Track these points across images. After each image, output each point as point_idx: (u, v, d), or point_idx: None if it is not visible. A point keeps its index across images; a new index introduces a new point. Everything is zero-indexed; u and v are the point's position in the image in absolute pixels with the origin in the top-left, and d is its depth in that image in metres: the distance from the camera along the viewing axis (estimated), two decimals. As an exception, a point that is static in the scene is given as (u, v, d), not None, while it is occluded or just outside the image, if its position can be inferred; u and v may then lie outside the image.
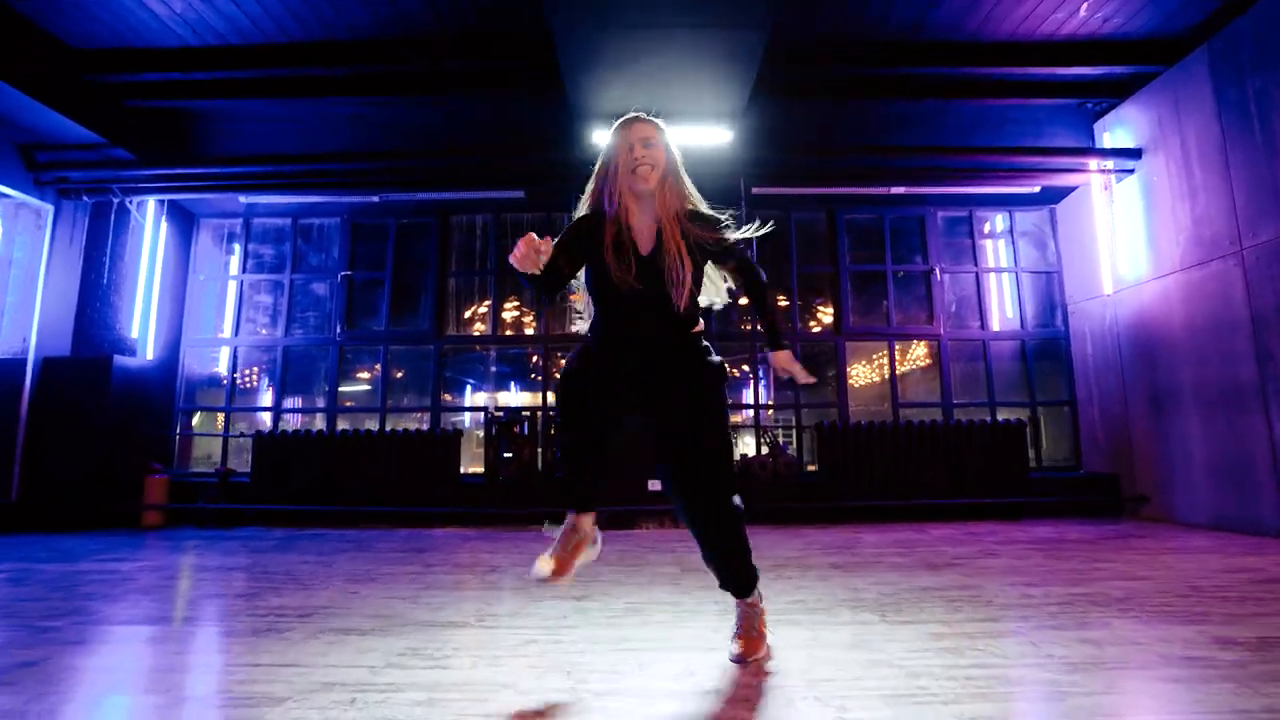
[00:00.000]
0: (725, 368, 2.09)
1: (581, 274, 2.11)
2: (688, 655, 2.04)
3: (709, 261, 2.08)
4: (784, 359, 2.10)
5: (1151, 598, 2.73)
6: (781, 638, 2.19)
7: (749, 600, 2.04)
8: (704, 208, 2.08)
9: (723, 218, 2.07)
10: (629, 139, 2.00)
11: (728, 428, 2.03)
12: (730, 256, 2.07)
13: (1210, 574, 3.22)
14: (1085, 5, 4.79)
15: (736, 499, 1.99)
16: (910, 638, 2.19)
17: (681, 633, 2.29)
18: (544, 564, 1.88)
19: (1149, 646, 2.07)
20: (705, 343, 2.07)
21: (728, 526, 1.96)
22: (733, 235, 2.06)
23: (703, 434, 1.94)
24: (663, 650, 2.10)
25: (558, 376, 2.11)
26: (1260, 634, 2.19)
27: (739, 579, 2.02)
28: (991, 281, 6.65)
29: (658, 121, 2.07)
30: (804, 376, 2.10)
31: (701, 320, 2.09)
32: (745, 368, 6.55)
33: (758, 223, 2.16)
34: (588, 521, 1.99)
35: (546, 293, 2.09)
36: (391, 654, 2.06)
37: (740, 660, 1.94)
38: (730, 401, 6.54)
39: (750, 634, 2.00)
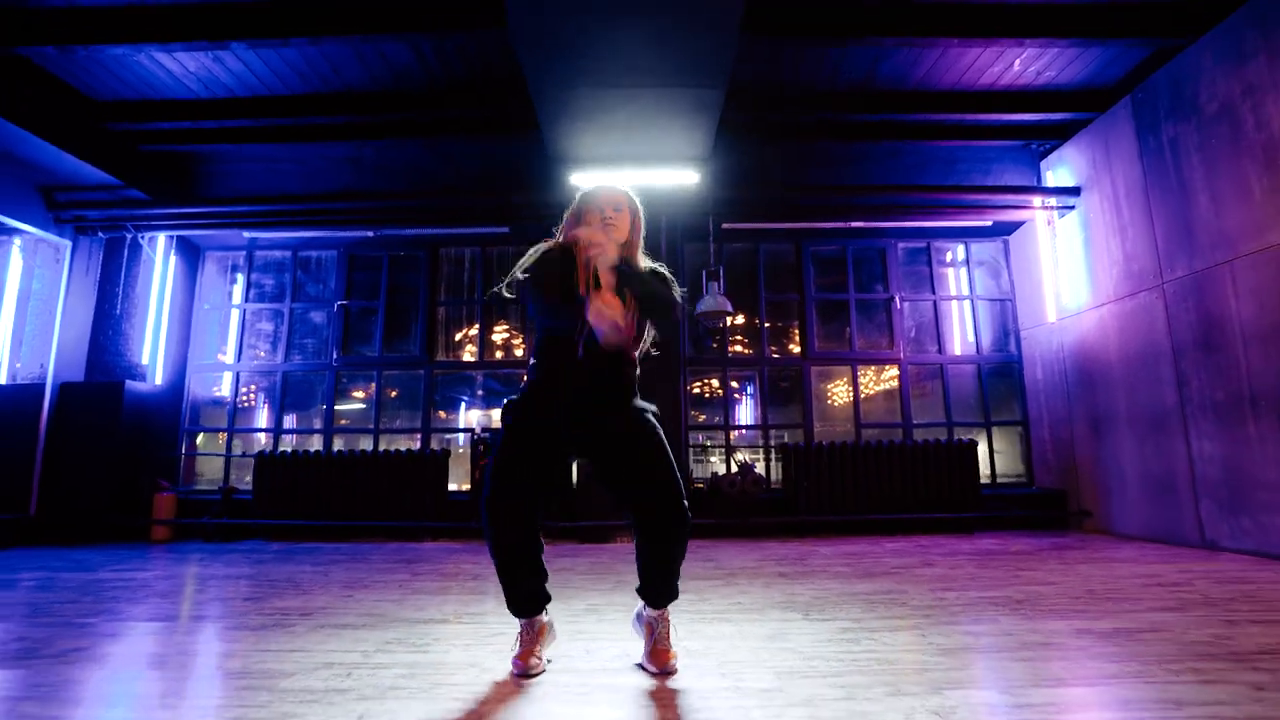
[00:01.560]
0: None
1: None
2: (629, 645, 2.43)
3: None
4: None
5: (1047, 599, 3.12)
6: (711, 631, 2.58)
7: (665, 612, 2.19)
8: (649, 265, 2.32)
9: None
10: (599, 203, 2.27)
11: (666, 448, 2.20)
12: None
13: (1113, 579, 3.61)
14: (1018, 61, 5.27)
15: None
16: (820, 631, 2.58)
17: (627, 628, 2.67)
18: (514, 664, 2.09)
19: (1017, 636, 2.47)
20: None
21: (685, 538, 2.16)
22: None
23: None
24: (610, 640, 2.48)
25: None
26: (1116, 626, 2.59)
27: (670, 590, 2.17)
28: (952, 308, 7.09)
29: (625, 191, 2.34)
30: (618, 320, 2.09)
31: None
32: (720, 392, 6.95)
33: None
34: (539, 619, 2.19)
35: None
36: (380, 643, 2.45)
37: (668, 670, 2.07)
38: (701, 419, 6.99)
39: (667, 641, 2.15)
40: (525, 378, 2.29)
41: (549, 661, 2.21)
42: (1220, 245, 4.57)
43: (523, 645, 2.13)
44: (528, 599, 2.16)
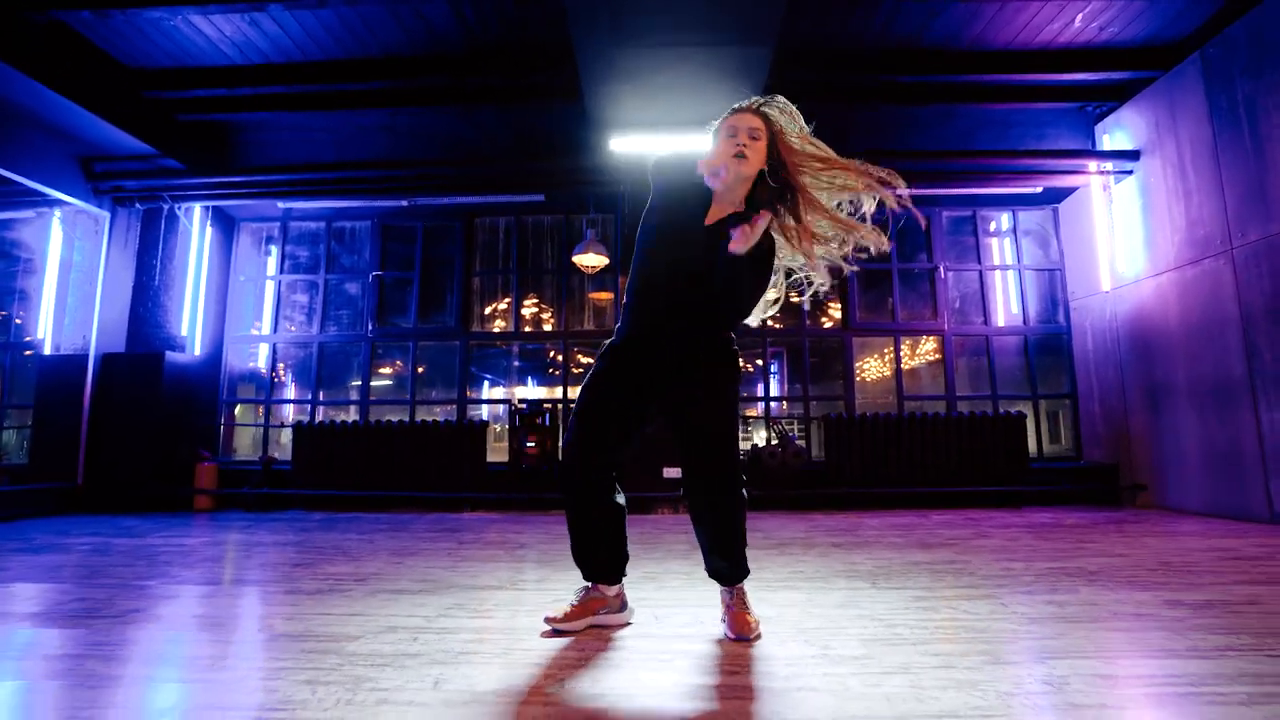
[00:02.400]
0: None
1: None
2: (698, 610, 2.35)
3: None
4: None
5: (1122, 571, 3.00)
6: (780, 599, 2.50)
7: (740, 586, 2.12)
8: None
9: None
10: (731, 128, 2.06)
11: (733, 424, 2.09)
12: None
13: (1185, 552, 3.47)
14: (1080, 15, 5.01)
15: (743, 489, 2.08)
16: (894, 599, 2.48)
17: (692, 594, 2.60)
18: (553, 609, 2.11)
19: (1104, 606, 2.35)
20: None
21: (737, 514, 2.07)
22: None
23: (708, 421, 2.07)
24: (676, 607, 2.41)
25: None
26: (1207, 598, 2.46)
27: (737, 568, 2.09)
28: (996, 279, 6.87)
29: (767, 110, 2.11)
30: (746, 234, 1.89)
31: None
32: (759, 362, 6.82)
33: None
34: (610, 590, 2.17)
35: None
36: (441, 608, 2.39)
37: (747, 636, 1.98)
38: (743, 395, 6.87)
39: (747, 614, 2.05)
40: (619, 323, 2.16)
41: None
42: (1298, 207, 4.34)
43: (572, 607, 2.11)
44: (593, 565, 2.15)
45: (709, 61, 4.55)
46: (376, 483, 5.83)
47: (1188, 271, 5.21)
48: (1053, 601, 2.42)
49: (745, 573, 2.13)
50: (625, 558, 2.18)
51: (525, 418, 5.96)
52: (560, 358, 6.82)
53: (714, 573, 2.14)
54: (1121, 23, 5.09)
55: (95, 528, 4.61)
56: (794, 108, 2.15)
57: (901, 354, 6.71)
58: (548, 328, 6.95)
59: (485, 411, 7.19)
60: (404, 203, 6.45)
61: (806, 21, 5.02)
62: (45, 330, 5.91)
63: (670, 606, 2.41)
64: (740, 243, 1.86)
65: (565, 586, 2.73)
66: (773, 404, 6.84)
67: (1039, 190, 6.39)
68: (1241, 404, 4.76)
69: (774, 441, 6.03)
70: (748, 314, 2.10)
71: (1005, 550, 3.58)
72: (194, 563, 3.32)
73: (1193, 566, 3.08)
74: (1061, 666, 1.72)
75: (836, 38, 5.27)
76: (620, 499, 2.16)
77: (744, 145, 2.01)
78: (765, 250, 2.00)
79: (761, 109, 2.11)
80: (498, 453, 6.60)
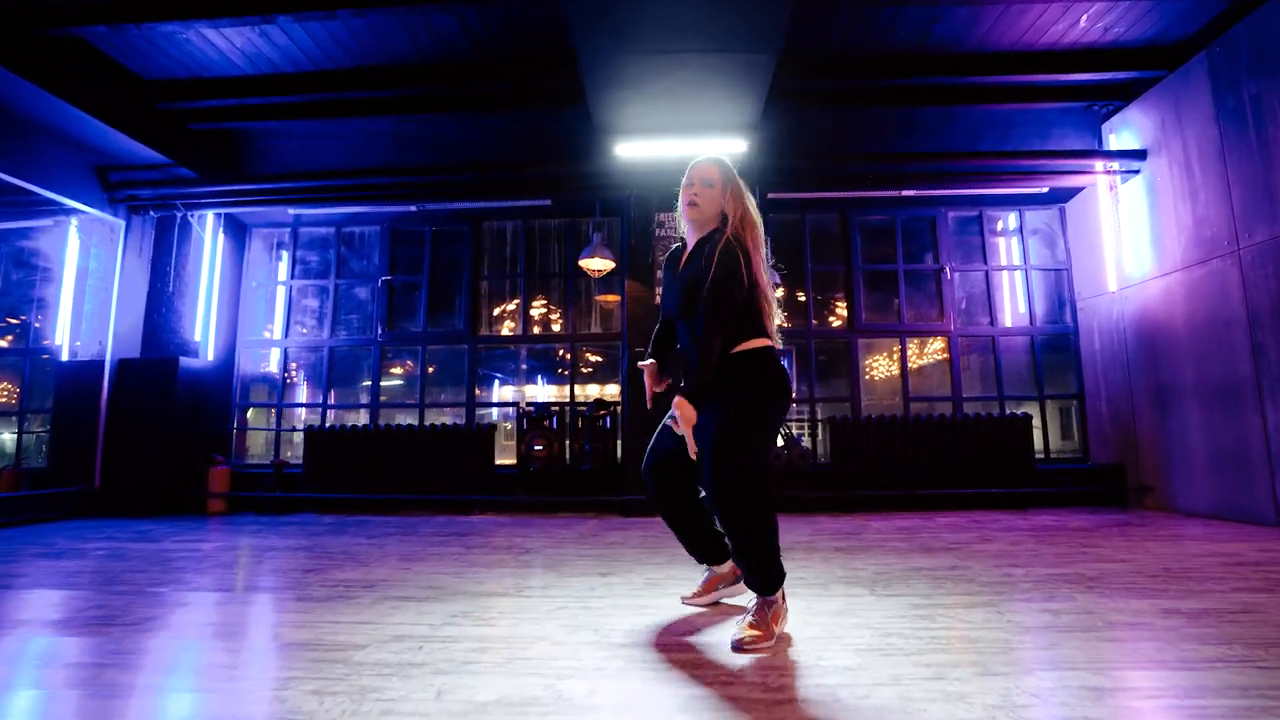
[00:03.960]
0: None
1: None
2: (697, 619, 2.40)
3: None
4: (680, 404, 2.12)
5: (1121, 577, 3.01)
6: (778, 605, 2.54)
7: (768, 598, 2.15)
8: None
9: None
10: (690, 178, 2.38)
11: (739, 434, 2.13)
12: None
13: (1187, 557, 3.48)
14: (1085, 16, 5.00)
15: (753, 500, 2.10)
16: (891, 607, 2.52)
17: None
18: (686, 590, 2.58)
19: (1099, 615, 2.38)
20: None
21: (750, 523, 2.11)
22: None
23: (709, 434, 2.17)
24: (676, 614, 2.46)
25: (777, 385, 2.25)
26: (1204, 606, 2.48)
27: (755, 577, 2.15)
28: (1003, 279, 6.86)
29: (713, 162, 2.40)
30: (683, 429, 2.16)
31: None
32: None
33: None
34: (721, 569, 2.64)
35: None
36: (446, 615, 2.45)
37: (738, 647, 2.01)
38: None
39: (758, 625, 2.07)
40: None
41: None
42: (1305, 208, 4.31)
43: (699, 587, 2.60)
44: (697, 552, 2.54)
45: (712, 68, 4.58)
46: (386, 486, 5.92)
47: (1195, 272, 5.19)
48: (1049, 610, 2.45)
49: (768, 586, 2.15)
50: (715, 541, 2.54)
51: (533, 421, 6.03)
52: (569, 356, 6.87)
53: (747, 583, 2.22)
54: (1127, 23, 5.08)
55: (112, 531, 4.72)
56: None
57: (909, 354, 6.72)
58: (556, 328, 7.01)
59: (495, 413, 7.27)
60: (413, 208, 6.52)
61: (809, 29, 5.04)
62: (63, 336, 6.03)
63: (671, 613, 2.46)
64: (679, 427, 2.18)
65: (568, 593, 2.79)
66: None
67: (1045, 190, 6.37)
68: (1248, 405, 4.74)
69: (780, 444, 6.06)
70: (729, 328, 2.20)
71: (1007, 555, 3.60)
72: (207, 568, 3.40)
73: (1193, 573, 3.09)
74: (1049, 679, 1.76)
75: (839, 44, 5.29)
76: (697, 500, 2.48)
77: (696, 194, 2.33)
78: (723, 275, 2.18)
79: (716, 158, 2.42)
80: (509, 453, 6.67)
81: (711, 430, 2.15)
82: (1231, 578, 2.97)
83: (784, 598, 2.21)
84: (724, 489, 2.08)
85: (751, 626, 2.08)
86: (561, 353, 7.08)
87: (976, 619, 2.35)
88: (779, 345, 2.36)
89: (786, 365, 7.59)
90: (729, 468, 2.08)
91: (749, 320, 2.26)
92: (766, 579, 2.15)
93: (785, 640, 2.12)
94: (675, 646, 2.09)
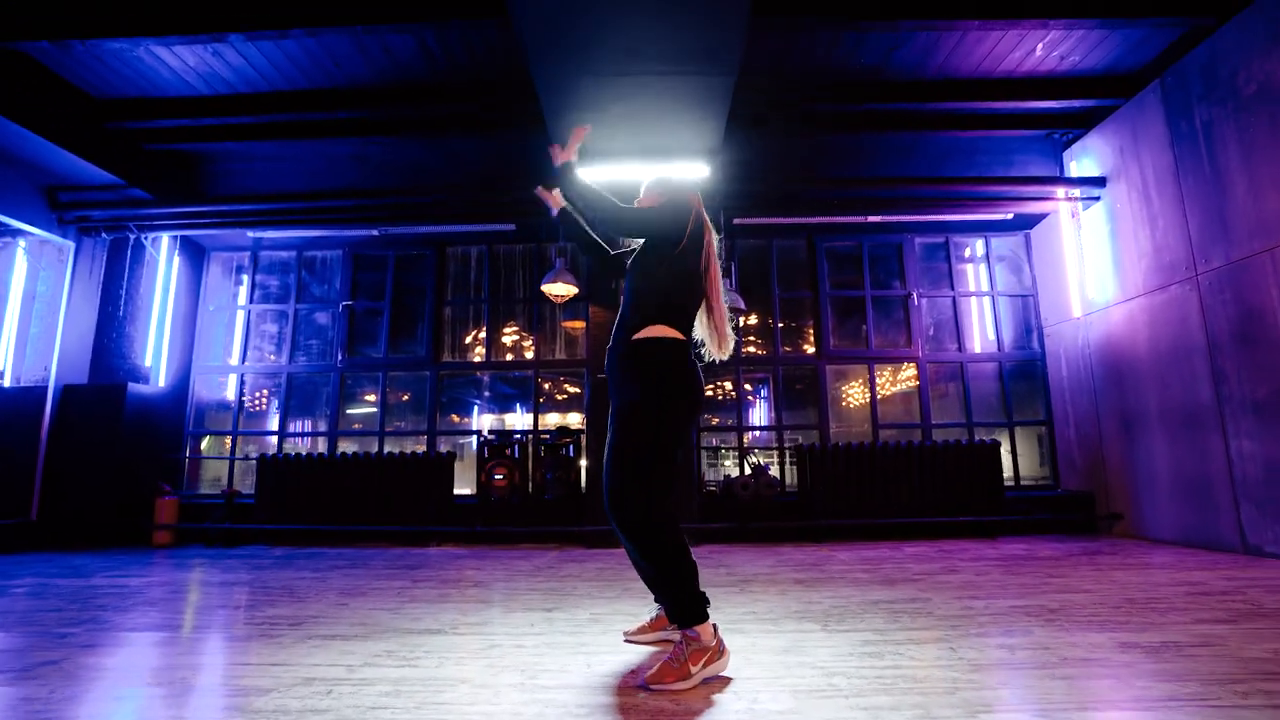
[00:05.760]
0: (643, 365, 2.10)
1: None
2: (634, 658, 2.26)
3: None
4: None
5: (1084, 609, 2.92)
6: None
7: (685, 631, 2.02)
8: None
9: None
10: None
11: (624, 438, 2.02)
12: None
13: (1152, 587, 3.40)
14: (1041, 45, 5.06)
15: (650, 525, 2.00)
16: (841, 644, 2.40)
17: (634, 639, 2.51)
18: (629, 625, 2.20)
19: (1055, 650, 2.27)
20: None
21: (641, 550, 2.02)
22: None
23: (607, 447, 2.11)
24: (613, 653, 2.32)
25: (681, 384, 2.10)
26: (1164, 639, 2.38)
27: (668, 606, 2.06)
28: (970, 305, 6.86)
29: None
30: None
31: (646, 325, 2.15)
32: (732, 391, 6.76)
33: None
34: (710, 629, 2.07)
35: None
36: (368, 655, 2.30)
37: (644, 685, 1.93)
38: (714, 422, 6.80)
39: (671, 664, 1.96)
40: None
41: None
42: (1259, 234, 4.34)
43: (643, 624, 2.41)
44: (647, 583, 2.21)
45: (672, 90, 4.55)
46: (341, 517, 5.71)
47: (1156, 297, 5.20)
48: (1004, 646, 2.34)
49: (680, 617, 2.03)
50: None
51: (494, 449, 5.87)
52: (533, 384, 6.74)
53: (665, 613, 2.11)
54: (1081, 52, 5.14)
55: (41, 567, 4.48)
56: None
57: (878, 381, 6.67)
58: (529, 354, 6.89)
59: (468, 441, 7.09)
60: (375, 232, 6.42)
61: (768, 51, 5.05)
62: (5, 362, 5.81)
63: (607, 652, 2.32)
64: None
65: (506, 630, 2.64)
66: (754, 433, 6.77)
67: (1010, 217, 6.41)
68: (1210, 431, 4.72)
69: (747, 473, 5.95)
70: (608, 219, 2.19)
71: (970, 586, 3.50)
72: (129, 606, 3.20)
73: (1157, 603, 3.00)
74: (992, 722, 1.64)
75: (801, 67, 5.30)
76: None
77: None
78: (656, 211, 2.23)
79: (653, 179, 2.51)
80: (471, 483, 6.49)
81: (609, 435, 2.09)
82: (1195, 608, 2.88)
83: (719, 641, 2.06)
84: (620, 506, 2.01)
85: (665, 665, 1.96)
86: (529, 380, 6.95)
87: (928, 656, 2.23)
88: (703, 349, 2.31)
89: (767, 394, 7.53)
90: (624, 481, 2.01)
91: (673, 303, 2.15)
92: (678, 610, 2.03)
93: (719, 683, 1.99)
94: (600, 688, 1.95)
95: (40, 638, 2.58)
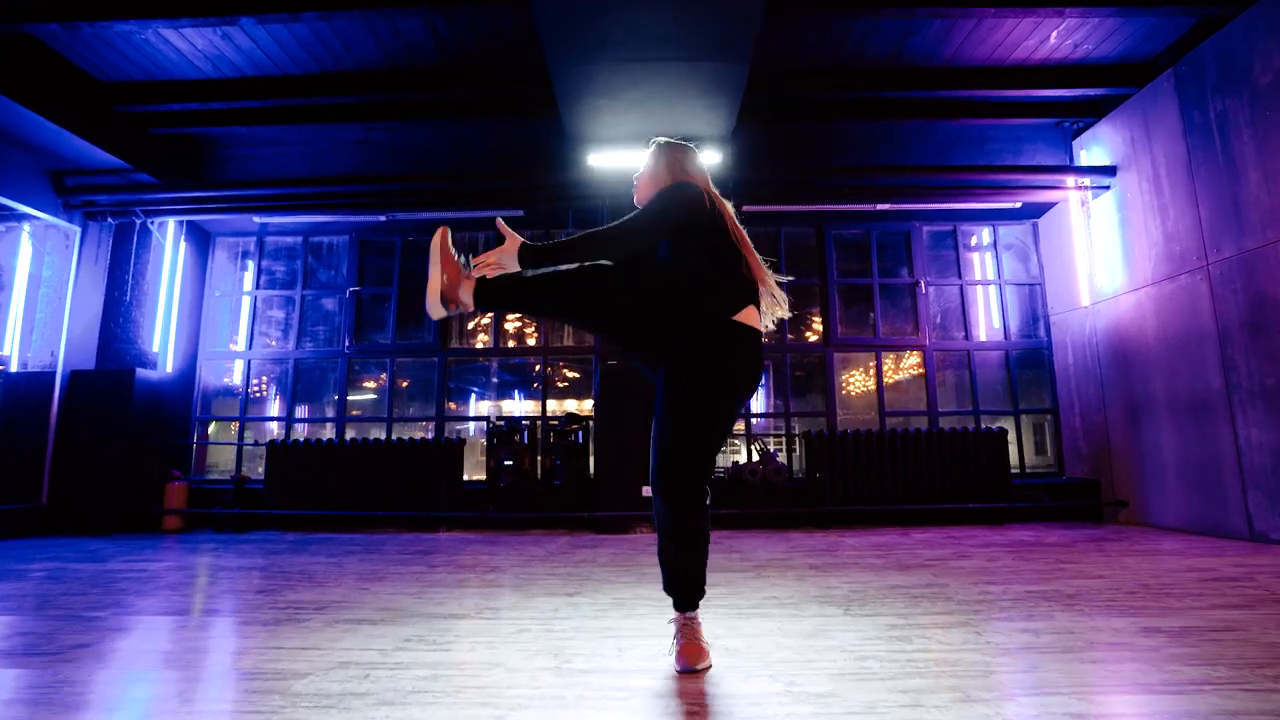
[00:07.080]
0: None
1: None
2: (664, 641, 2.28)
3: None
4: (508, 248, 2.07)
5: (1100, 594, 2.95)
6: (750, 628, 2.43)
7: (685, 614, 2.05)
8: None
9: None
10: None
11: (705, 412, 2.00)
12: None
13: (1163, 573, 3.43)
14: (1055, 33, 5.04)
15: (703, 499, 2.00)
16: (866, 628, 2.42)
17: (660, 623, 2.52)
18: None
19: (1079, 634, 2.30)
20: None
21: (686, 523, 2.00)
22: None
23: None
24: (642, 637, 2.34)
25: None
26: (1185, 624, 2.41)
27: (681, 587, 2.05)
28: (977, 293, 6.88)
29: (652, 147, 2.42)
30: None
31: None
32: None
33: None
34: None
35: None
36: (399, 640, 2.31)
37: (687, 669, 1.94)
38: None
39: (690, 645, 1.98)
40: None
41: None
42: (1272, 224, 4.35)
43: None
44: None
45: (685, 77, 4.53)
46: (351, 502, 5.72)
47: (1165, 287, 5.22)
48: (1028, 630, 2.37)
49: (686, 601, 2.05)
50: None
51: (503, 435, 5.88)
52: (543, 370, 6.74)
53: (665, 589, 2.10)
54: (1095, 40, 5.13)
55: (57, 551, 4.48)
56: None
57: (884, 369, 6.69)
58: (531, 341, 6.89)
59: (471, 428, 7.10)
60: (382, 217, 6.38)
61: (782, 39, 5.02)
62: (12, 347, 5.77)
63: (634, 637, 2.34)
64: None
65: (531, 615, 2.66)
66: (758, 420, 6.79)
67: (1018, 205, 6.41)
68: (1219, 419, 4.75)
69: (755, 459, 5.97)
70: (602, 246, 2.01)
71: (984, 572, 3.53)
72: (151, 590, 3.21)
73: (1171, 589, 3.04)
74: (1032, 705, 1.66)
75: (814, 55, 5.28)
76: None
77: (636, 188, 2.43)
78: (654, 204, 2.12)
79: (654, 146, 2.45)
80: (480, 468, 6.51)
81: (676, 406, 2.00)
82: (1209, 594, 2.92)
83: (693, 620, 2.05)
84: (679, 494, 1.97)
85: (686, 647, 1.98)
86: (536, 367, 6.95)
87: (955, 640, 2.26)
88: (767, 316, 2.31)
89: (764, 381, 7.54)
90: (689, 473, 1.98)
91: (736, 277, 2.11)
92: (688, 589, 2.05)
93: (753, 667, 2.01)
94: (636, 671, 1.97)
95: (68, 621, 2.59)
